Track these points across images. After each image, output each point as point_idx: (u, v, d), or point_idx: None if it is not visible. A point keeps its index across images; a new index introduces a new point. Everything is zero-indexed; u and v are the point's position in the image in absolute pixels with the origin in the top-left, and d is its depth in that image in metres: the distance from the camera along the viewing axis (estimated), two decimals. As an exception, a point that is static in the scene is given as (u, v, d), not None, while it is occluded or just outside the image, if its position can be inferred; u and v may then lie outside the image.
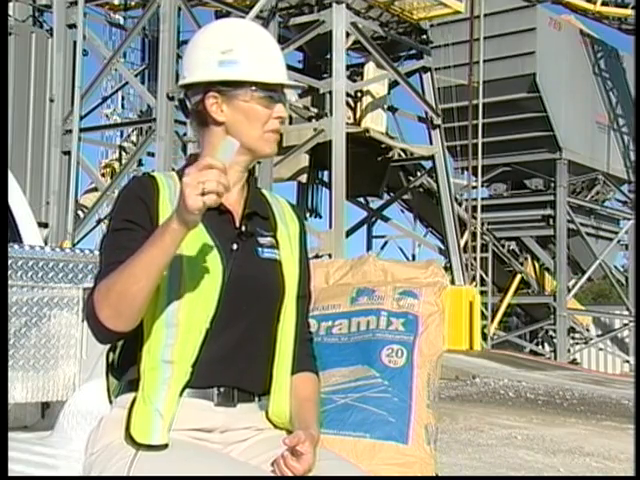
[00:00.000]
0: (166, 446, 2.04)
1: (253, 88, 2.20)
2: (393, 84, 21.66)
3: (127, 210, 2.14)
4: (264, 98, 2.20)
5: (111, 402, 2.21)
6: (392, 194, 25.52)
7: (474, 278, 23.54)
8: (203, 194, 1.88)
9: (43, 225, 16.87)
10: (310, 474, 2.05)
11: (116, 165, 21.79)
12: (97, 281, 2.08)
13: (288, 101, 2.30)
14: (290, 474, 2.02)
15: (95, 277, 2.13)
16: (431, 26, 22.05)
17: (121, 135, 23.85)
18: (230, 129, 2.20)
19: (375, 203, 25.50)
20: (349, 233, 23.45)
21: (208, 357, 2.11)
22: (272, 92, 2.21)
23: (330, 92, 19.08)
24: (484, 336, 23.18)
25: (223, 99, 2.21)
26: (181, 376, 2.09)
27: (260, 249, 2.21)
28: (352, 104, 20.46)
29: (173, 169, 2.61)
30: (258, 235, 2.23)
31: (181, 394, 2.10)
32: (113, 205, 2.22)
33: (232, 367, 2.15)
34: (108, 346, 2.16)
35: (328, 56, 19.69)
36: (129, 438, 2.05)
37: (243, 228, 2.21)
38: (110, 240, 2.14)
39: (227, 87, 2.20)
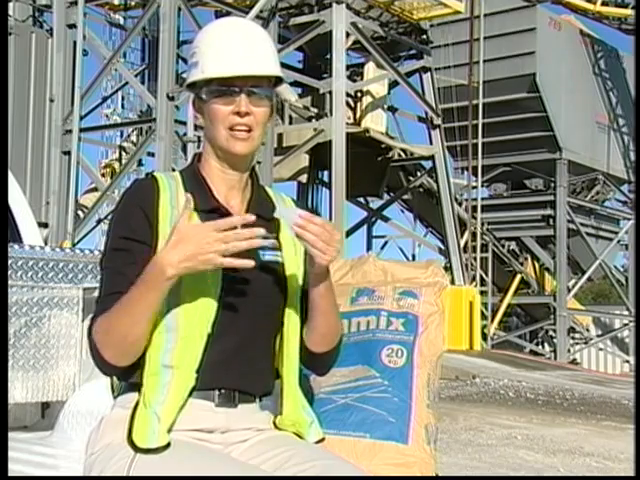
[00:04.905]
0: (165, 448, 2.04)
1: (210, 86, 2.15)
2: (393, 84, 21.67)
3: (125, 225, 2.13)
4: (222, 95, 2.14)
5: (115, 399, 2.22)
6: (392, 194, 25.53)
7: (474, 278, 23.54)
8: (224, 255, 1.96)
9: (43, 225, 16.87)
10: (310, 474, 2.05)
11: (116, 165, 21.79)
12: (97, 313, 2.09)
13: (272, 95, 2.19)
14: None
15: (96, 301, 2.14)
16: (431, 26, 22.06)
17: (121, 135, 23.84)
18: (205, 132, 2.21)
19: (375, 203, 25.52)
20: (349, 233, 23.47)
21: (209, 361, 2.10)
22: (229, 86, 2.13)
23: (330, 92, 19.10)
24: (484, 336, 23.18)
25: (199, 103, 2.20)
26: (183, 381, 2.08)
27: (262, 252, 2.19)
28: (352, 104, 20.47)
29: (173, 169, 2.60)
30: (260, 237, 2.21)
31: (187, 399, 2.09)
32: (113, 212, 2.22)
33: (233, 370, 2.15)
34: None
35: (328, 56, 19.70)
36: (130, 442, 2.05)
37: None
38: (109, 261, 2.14)
39: (195, 89, 2.20)
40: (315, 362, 2.28)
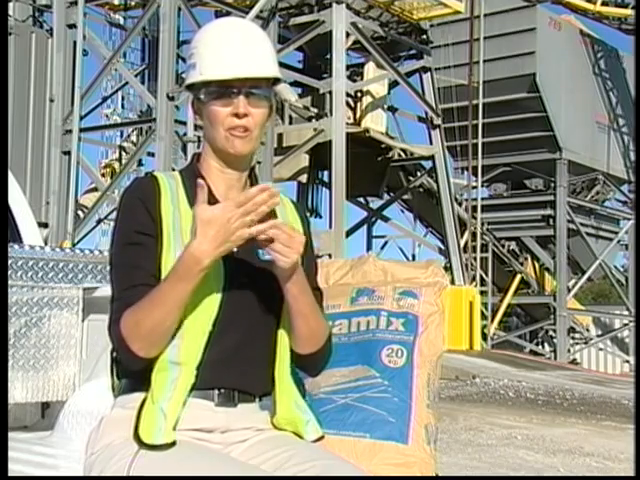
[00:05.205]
0: (170, 445, 2.04)
1: (209, 87, 2.16)
2: (393, 84, 21.67)
3: (131, 220, 2.13)
4: (220, 96, 2.15)
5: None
6: (392, 194, 25.53)
7: (474, 278, 23.54)
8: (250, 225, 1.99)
9: (43, 225, 16.87)
10: (310, 474, 2.04)
11: (116, 165, 21.80)
12: (121, 307, 2.08)
13: (270, 95, 2.19)
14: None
15: (112, 299, 2.13)
16: (431, 26, 22.06)
17: (121, 135, 23.85)
18: (205, 133, 2.22)
19: (375, 203, 25.52)
20: (349, 233, 23.46)
21: (210, 359, 2.11)
22: (227, 88, 2.14)
23: (330, 92, 19.10)
24: (484, 336, 23.18)
25: (198, 104, 2.21)
26: (187, 378, 2.09)
27: (261, 251, 2.19)
28: (352, 104, 20.47)
29: (173, 169, 2.60)
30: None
31: (188, 397, 2.10)
32: (117, 211, 2.22)
33: (233, 369, 2.15)
34: (110, 345, 2.15)
35: (328, 56, 19.70)
36: (137, 438, 2.05)
37: None
38: (120, 257, 2.14)
39: (193, 90, 2.20)
40: (304, 363, 2.26)
